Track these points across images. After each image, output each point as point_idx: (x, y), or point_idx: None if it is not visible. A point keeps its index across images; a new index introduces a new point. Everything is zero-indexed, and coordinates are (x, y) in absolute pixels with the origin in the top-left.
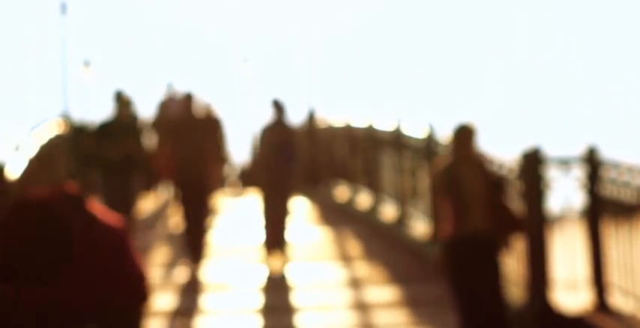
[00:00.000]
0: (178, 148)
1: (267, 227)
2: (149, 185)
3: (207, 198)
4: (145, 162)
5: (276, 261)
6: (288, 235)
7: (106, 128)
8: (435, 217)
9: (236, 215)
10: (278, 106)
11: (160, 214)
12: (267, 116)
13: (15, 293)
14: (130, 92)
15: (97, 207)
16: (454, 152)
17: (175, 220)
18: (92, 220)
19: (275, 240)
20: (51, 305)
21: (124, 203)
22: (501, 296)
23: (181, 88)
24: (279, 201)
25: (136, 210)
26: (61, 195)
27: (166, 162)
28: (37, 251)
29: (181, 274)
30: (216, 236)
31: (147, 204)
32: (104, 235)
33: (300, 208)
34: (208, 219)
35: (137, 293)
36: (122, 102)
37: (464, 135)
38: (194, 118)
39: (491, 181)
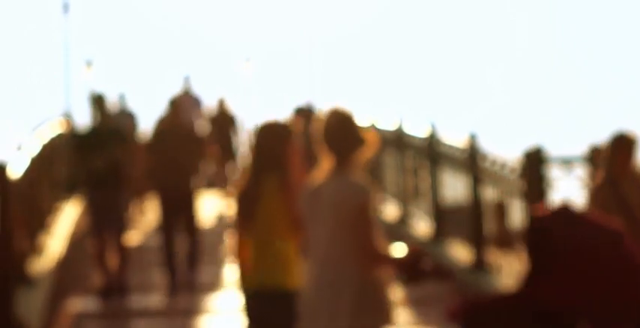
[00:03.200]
0: (159, 160)
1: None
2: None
3: (193, 221)
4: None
5: None
6: None
7: (88, 136)
8: None
9: None
10: (304, 115)
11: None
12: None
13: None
14: (131, 92)
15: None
16: (613, 165)
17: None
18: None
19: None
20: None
21: (111, 223)
22: None
23: (180, 88)
24: None
25: (126, 234)
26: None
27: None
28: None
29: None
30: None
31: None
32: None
33: None
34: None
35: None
36: (104, 106)
37: (625, 145)
38: (180, 126)
39: None
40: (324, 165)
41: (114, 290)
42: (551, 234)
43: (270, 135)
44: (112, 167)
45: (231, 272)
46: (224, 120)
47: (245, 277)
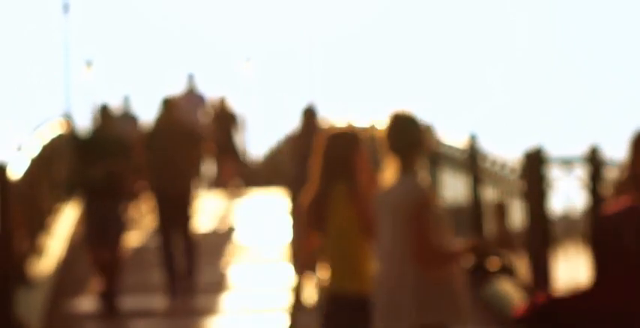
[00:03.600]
0: (155, 160)
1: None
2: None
3: (188, 223)
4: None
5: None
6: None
7: (87, 144)
8: None
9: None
10: (310, 114)
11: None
12: (296, 123)
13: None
14: (131, 92)
15: None
16: (636, 164)
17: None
18: None
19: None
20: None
21: (107, 234)
22: None
23: (184, 86)
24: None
25: (122, 245)
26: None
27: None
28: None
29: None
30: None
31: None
32: None
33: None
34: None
35: None
36: (109, 115)
37: None
38: (176, 124)
39: None
40: (390, 168)
41: (106, 310)
42: (621, 233)
43: (340, 143)
44: (109, 178)
45: (233, 273)
46: (225, 118)
47: (320, 283)
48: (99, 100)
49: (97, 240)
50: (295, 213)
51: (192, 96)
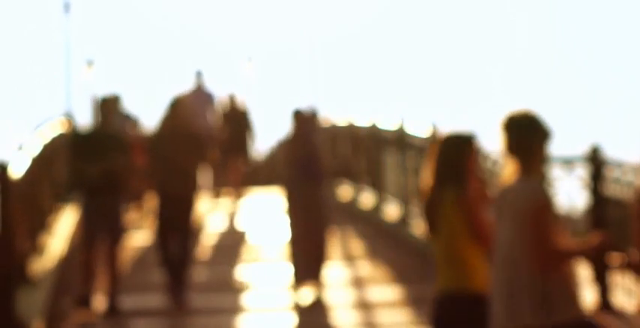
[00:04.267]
0: (159, 165)
1: (297, 257)
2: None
3: (189, 225)
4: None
5: (308, 294)
6: (324, 267)
7: (85, 141)
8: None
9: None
10: (300, 118)
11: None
12: (287, 128)
13: None
14: (132, 92)
15: None
16: None
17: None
18: None
19: (308, 273)
20: None
21: (107, 234)
22: None
23: (193, 84)
24: (312, 227)
25: (122, 245)
26: None
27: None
28: None
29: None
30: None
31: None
32: None
33: None
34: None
35: None
36: (110, 110)
37: None
38: (181, 127)
39: None
40: (509, 170)
41: (107, 309)
42: None
43: (452, 147)
44: (108, 175)
45: (233, 273)
46: (236, 117)
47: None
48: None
49: (94, 237)
50: (291, 212)
51: (201, 94)
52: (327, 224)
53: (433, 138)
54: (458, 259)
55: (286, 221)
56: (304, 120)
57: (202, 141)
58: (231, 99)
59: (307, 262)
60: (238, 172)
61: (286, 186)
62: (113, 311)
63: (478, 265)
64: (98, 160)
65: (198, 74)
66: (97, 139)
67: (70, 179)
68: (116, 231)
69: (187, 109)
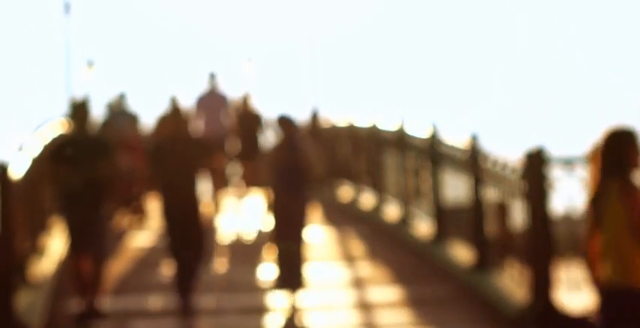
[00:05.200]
0: (162, 171)
1: (282, 264)
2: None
3: (197, 228)
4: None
5: (290, 302)
6: (305, 275)
7: (65, 149)
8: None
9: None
10: (285, 125)
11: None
12: (273, 135)
13: None
14: (132, 92)
15: None
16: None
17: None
18: None
19: (290, 280)
20: None
21: (88, 246)
22: None
23: (206, 86)
24: (293, 237)
25: (104, 255)
26: None
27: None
28: None
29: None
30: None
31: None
32: None
33: None
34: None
35: None
36: (85, 114)
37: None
38: (184, 134)
39: None
40: None
41: (90, 316)
42: None
43: (615, 140)
44: (90, 184)
45: (233, 273)
46: (249, 118)
47: (597, 277)
48: (99, 100)
49: (78, 249)
50: (273, 210)
51: (215, 96)
52: (304, 235)
53: (433, 139)
54: (619, 252)
55: (269, 219)
56: (290, 126)
57: (205, 145)
58: (245, 101)
59: (289, 269)
60: (252, 174)
61: (270, 192)
62: (97, 315)
63: (637, 259)
64: (79, 170)
65: (212, 76)
66: (82, 145)
67: (55, 187)
68: (98, 243)
69: (188, 112)
